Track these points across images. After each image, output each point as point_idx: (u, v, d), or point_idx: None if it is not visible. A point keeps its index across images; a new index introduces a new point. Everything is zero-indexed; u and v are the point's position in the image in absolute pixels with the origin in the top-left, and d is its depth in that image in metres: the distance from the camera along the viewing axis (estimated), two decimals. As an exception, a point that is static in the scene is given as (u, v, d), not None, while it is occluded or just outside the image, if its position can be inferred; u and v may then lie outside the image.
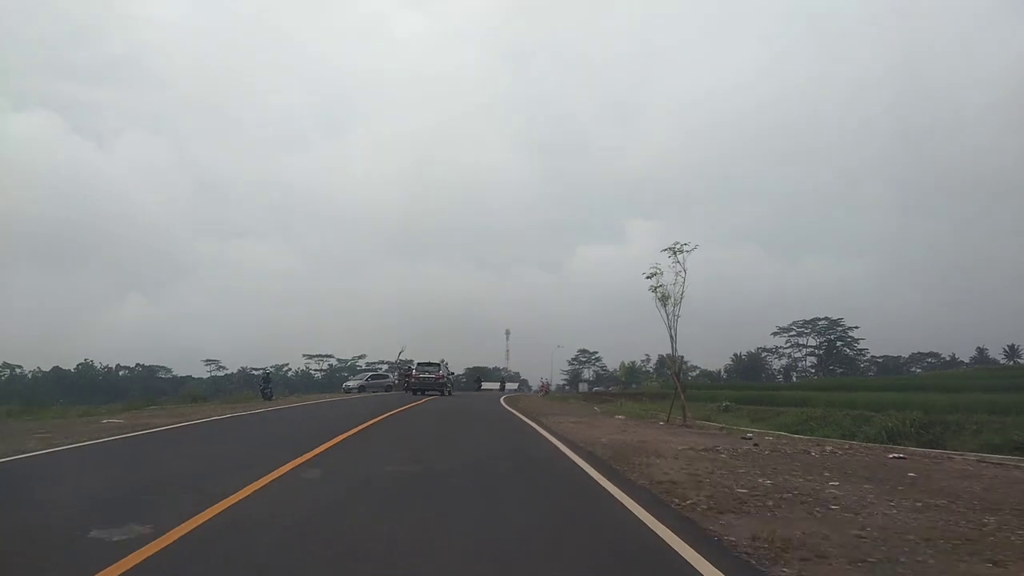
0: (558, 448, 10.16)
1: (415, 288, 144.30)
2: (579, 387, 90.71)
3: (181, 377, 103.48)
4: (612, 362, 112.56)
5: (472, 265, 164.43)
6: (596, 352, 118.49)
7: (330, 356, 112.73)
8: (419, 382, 34.86)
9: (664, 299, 16.44)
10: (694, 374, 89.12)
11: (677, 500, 5.93)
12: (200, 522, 4.66)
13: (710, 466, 8.10)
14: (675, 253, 16.27)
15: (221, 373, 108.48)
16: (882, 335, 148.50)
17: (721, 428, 16.63)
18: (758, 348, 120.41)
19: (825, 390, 34.66)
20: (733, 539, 4.61)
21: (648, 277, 16.83)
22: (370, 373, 51.39)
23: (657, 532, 4.77)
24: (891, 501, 6.03)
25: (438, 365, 36.70)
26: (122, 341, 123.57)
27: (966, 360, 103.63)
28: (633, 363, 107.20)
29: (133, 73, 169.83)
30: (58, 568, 3.76)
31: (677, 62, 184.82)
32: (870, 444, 12.96)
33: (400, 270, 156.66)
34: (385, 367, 67.81)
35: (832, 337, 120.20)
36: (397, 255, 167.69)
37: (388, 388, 40.62)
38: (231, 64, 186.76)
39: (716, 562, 4.01)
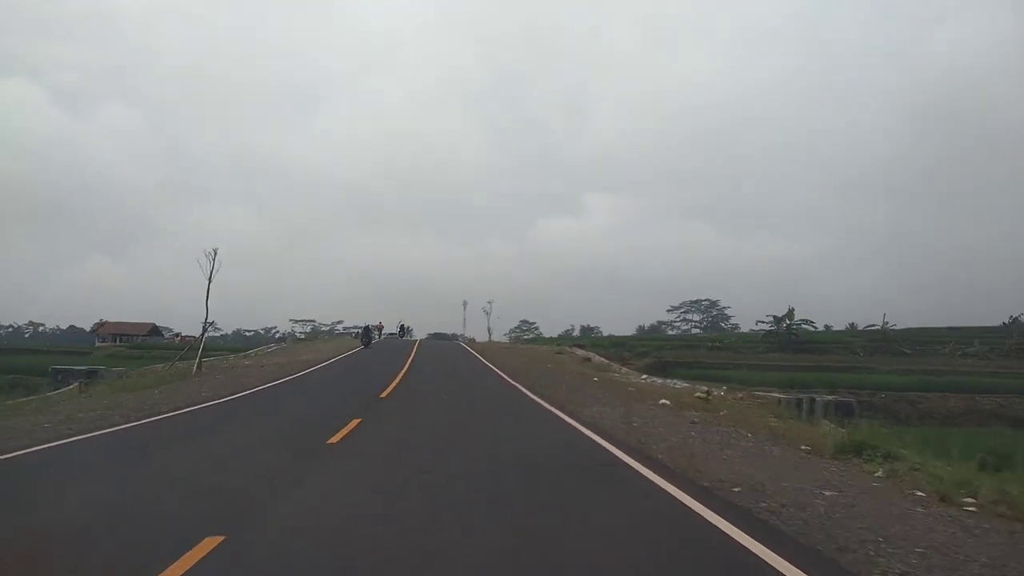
0: (460, 345, 49.46)
1: (384, 257, 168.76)
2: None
3: (185, 336, 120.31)
4: (548, 331, 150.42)
5: (436, 236, 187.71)
6: (535, 323, 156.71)
7: (313, 320, 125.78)
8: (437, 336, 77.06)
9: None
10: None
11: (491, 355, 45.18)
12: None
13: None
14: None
15: (217, 334, 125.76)
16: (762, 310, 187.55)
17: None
18: (658, 321, 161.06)
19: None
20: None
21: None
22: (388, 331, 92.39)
23: (486, 363, 44.01)
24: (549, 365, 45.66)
25: (447, 333, 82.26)
26: (126, 303, 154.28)
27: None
28: (567, 331, 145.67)
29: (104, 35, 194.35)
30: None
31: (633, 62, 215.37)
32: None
33: (372, 239, 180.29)
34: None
35: (713, 314, 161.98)
36: (369, 225, 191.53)
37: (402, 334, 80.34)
38: (208, 38, 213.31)
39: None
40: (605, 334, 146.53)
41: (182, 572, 3.67)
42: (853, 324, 63.16)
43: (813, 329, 50.39)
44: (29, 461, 7.25)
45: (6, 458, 7.25)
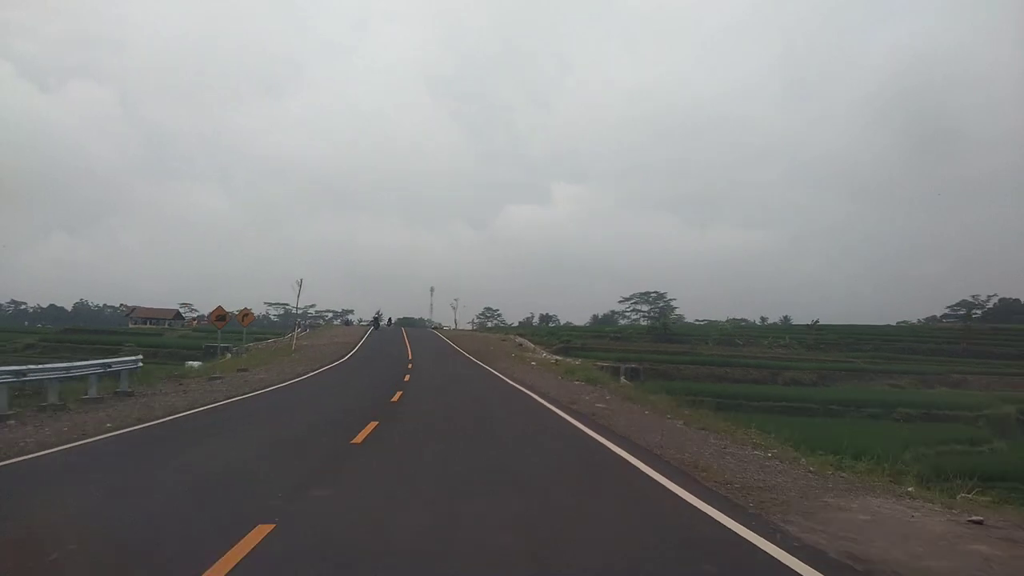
0: (434, 333, 66.92)
1: (350, 241, 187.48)
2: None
3: (201, 320, 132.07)
4: (511, 318, 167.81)
5: (403, 222, 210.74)
6: (498, 309, 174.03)
7: (287, 304, 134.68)
8: (407, 322, 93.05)
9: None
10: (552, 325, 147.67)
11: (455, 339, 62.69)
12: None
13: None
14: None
15: (194, 314, 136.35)
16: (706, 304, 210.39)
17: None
18: (611, 311, 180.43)
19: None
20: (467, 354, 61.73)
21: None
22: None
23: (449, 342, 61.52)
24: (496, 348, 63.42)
25: (415, 319, 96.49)
26: (99, 280, 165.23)
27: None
28: (527, 319, 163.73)
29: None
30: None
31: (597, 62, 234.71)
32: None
33: (338, 223, 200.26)
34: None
35: (661, 305, 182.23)
36: (336, 210, 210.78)
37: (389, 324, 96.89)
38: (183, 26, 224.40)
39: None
40: (563, 322, 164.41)
41: (396, 398, 21.22)
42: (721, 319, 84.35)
43: (680, 323, 70.84)
44: (315, 379, 24.51)
45: (308, 376, 24.41)
